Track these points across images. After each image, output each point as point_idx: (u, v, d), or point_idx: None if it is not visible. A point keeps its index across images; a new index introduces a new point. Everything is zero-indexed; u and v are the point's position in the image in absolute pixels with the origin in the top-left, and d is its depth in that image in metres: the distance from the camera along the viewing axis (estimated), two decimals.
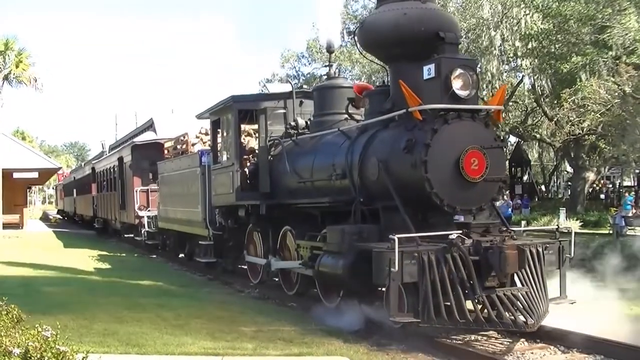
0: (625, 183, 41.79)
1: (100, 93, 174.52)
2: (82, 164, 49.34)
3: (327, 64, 11.20)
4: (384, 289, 8.04)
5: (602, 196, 38.10)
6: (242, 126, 12.70)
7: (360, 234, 8.14)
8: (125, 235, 24.74)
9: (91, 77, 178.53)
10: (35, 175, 31.78)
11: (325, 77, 10.99)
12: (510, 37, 25.16)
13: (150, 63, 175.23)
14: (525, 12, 24.04)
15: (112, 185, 26.54)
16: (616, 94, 21.60)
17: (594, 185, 36.49)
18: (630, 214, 23.19)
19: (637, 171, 38.11)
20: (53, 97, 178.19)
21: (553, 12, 23.44)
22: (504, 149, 8.20)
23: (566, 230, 8.73)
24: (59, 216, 55.13)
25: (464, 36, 28.95)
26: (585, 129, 23.68)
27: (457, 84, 7.80)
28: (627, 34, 20.85)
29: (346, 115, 10.03)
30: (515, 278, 7.82)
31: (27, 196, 41.41)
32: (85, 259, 18.76)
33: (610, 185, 41.50)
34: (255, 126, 13.83)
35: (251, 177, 12.12)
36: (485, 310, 7.34)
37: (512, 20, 24.96)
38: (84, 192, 36.01)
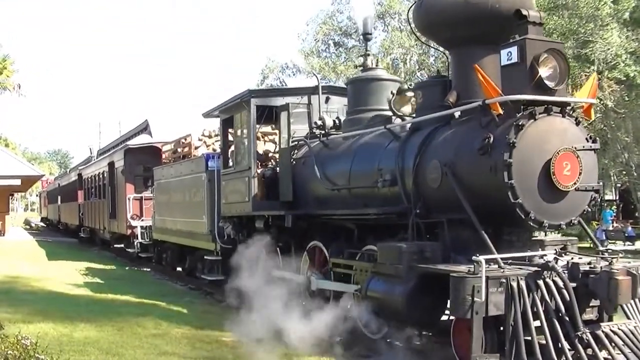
0: (607, 197, 41.18)
1: (83, 100, 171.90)
2: (68, 170, 47.48)
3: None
4: (451, 318, 6.66)
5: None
6: None
7: (422, 253, 6.65)
8: (115, 246, 23.09)
9: (75, 84, 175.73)
10: (17, 182, 30.40)
11: (361, 68, 9.52)
12: None
13: (136, 69, 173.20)
14: None
15: (101, 192, 24.85)
16: (598, 108, 21.52)
17: None
18: (610, 228, 23.36)
19: (618, 185, 37.82)
20: (36, 104, 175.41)
21: None
22: (596, 152, 6.73)
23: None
24: (41, 224, 53.28)
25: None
26: None
27: (545, 72, 6.38)
28: (609, 49, 20.97)
29: (390, 112, 8.56)
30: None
31: (9, 203, 39.67)
32: (67, 268, 17.94)
33: None
34: (267, 128, 12.43)
35: (267, 183, 10.65)
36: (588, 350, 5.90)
37: None
38: (70, 199, 34.25)
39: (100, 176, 24.99)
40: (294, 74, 38.85)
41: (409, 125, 8.06)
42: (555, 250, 6.58)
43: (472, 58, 7.15)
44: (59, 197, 39.12)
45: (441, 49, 8.40)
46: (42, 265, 18.86)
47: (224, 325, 9.17)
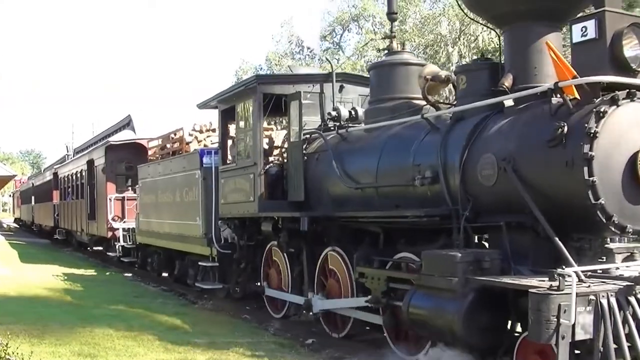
0: None
1: (56, 101, 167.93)
2: (43, 169, 45.80)
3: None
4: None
5: None
6: None
7: (479, 263, 5.63)
8: (95, 249, 21.78)
9: (48, 83, 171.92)
10: None
11: (386, 52, 8.48)
12: (467, 53, 24.89)
13: (113, 69, 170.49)
14: (482, 28, 22.82)
15: (78, 192, 23.46)
16: None
17: None
18: None
19: None
20: (8, 103, 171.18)
21: None
22: None
23: None
24: (14, 224, 51.47)
25: (422, 52, 27.53)
26: None
27: (630, 51, 5.42)
28: None
29: (423, 101, 7.53)
30: None
31: None
32: (40, 269, 17.14)
33: None
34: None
35: (271, 182, 9.56)
36: None
37: (469, 36, 25.06)
38: (44, 199, 32.73)
39: (78, 175, 23.62)
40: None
41: (446, 114, 7.06)
42: None
43: (531, 36, 6.21)
44: (33, 197, 37.55)
45: (491, 26, 7.37)
46: (14, 266, 17.93)
47: (197, 327, 9.06)
